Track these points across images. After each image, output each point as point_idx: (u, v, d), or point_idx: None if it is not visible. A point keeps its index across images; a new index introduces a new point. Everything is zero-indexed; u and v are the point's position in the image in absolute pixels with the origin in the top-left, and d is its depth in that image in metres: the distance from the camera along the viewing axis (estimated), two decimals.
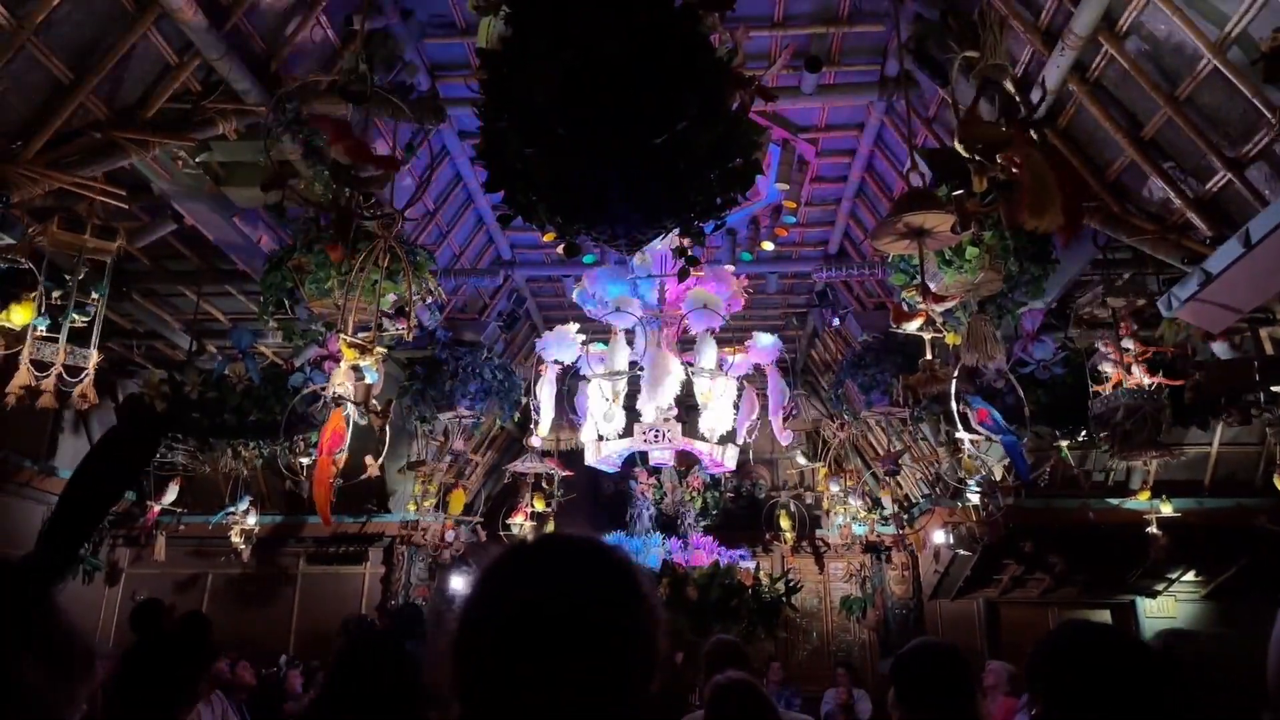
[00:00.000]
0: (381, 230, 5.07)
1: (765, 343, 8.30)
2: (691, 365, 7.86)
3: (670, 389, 7.55)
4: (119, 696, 2.48)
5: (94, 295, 6.44)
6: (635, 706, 1.10)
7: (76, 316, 6.24)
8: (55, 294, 6.10)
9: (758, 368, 8.42)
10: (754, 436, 8.77)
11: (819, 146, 8.04)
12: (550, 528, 11.70)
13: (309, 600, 11.71)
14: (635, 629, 1.12)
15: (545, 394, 8.32)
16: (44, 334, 6.04)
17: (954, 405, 5.50)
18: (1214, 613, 11.48)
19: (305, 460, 6.64)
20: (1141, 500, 9.94)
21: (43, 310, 6.01)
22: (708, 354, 7.91)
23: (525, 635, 1.06)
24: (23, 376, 5.74)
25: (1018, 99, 5.28)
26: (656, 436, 7.55)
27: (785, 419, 8.71)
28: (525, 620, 1.07)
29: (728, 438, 8.05)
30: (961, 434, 5.74)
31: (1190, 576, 11.43)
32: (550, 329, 8.55)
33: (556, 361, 8.27)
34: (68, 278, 6.24)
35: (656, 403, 7.55)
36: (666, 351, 7.64)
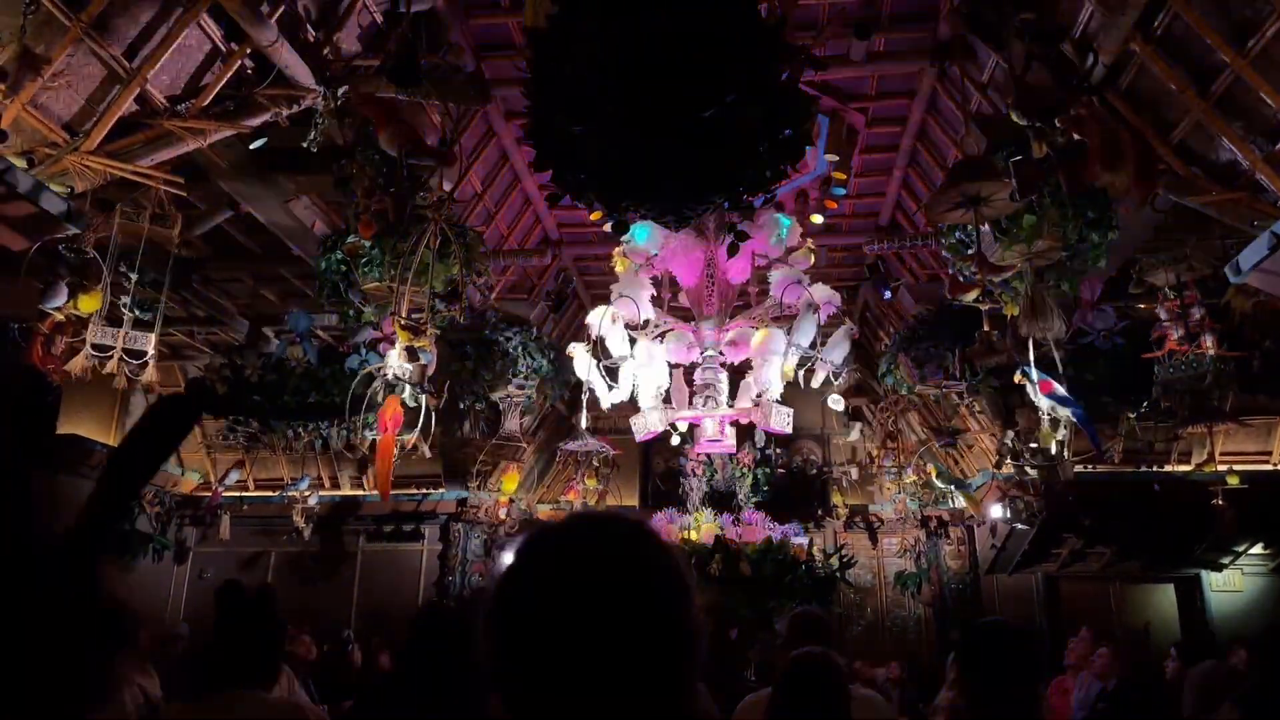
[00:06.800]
0: (432, 213, 5.12)
1: (788, 273, 8.03)
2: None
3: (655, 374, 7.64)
4: (207, 671, 2.57)
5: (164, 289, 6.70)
6: (673, 686, 1.09)
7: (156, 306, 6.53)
8: (133, 277, 6.34)
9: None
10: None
11: (869, 115, 7.88)
12: (602, 506, 11.79)
13: (369, 577, 11.97)
14: (665, 607, 1.11)
15: (592, 372, 8.16)
16: (138, 316, 6.34)
17: (1030, 373, 5.38)
18: None
19: (369, 436, 6.76)
20: (1207, 471, 9.67)
21: (109, 299, 6.25)
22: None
23: (553, 618, 1.05)
24: (113, 365, 6.04)
25: (1076, 61, 5.11)
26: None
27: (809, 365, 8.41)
28: (551, 602, 1.06)
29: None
30: (1040, 401, 5.61)
31: (1258, 549, 11.11)
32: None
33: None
34: (125, 271, 6.44)
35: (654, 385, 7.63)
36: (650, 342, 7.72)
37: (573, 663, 1.03)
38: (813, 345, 7.57)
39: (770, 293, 7.89)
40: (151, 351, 6.29)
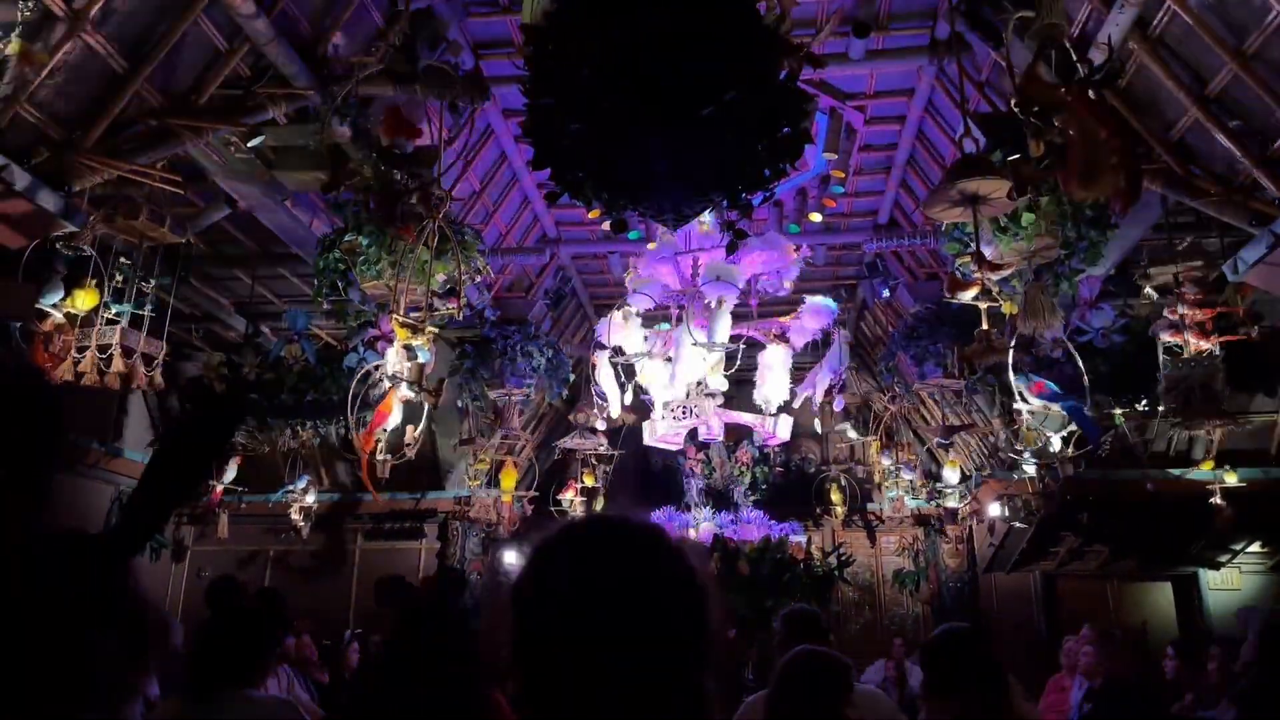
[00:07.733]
0: (430, 211, 5.11)
1: (818, 302, 8.14)
2: (709, 343, 7.72)
3: (689, 365, 7.52)
4: (197, 670, 2.56)
5: (152, 283, 6.67)
6: (693, 685, 1.10)
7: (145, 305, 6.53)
8: (119, 278, 6.32)
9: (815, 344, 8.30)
10: (797, 404, 8.68)
11: (867, 114, 7.88)
12: (600, 504, 11.79)
13: (367, 575, 11.94)
14: (687, 609, 1.11)
15: (605, 377, 8.28)
16: (113, 317, 6.33)
17: (1012, 377, 5.38)
18: None
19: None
20: (1204, 470, 9.67)
21: (107, 295, 6.25)
22: (719, 327, 7.72)
23: (577, 620, 1.06)
24: (117, 364, 6.06)
25: (1075, 60, 5.11)
26: (686, 413, 7.55)
27: (831, 390, 8.55)
28: (577, 604, 1.07)
29: (783, 408, 7.99)
30: (1022, 405, 5.62)
31: (1256, 548, 11.11)
32: (596, 306, 8.55)
33: (616, 348, 8.22)
34: (124, 263, 6.43)
35: (681, 379, 7.52)
36: (688, 328, 7.60)
37: (591, 666, 1.03)
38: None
39: (799, 317, 8.02)
40: (164, 349, 6.33)
